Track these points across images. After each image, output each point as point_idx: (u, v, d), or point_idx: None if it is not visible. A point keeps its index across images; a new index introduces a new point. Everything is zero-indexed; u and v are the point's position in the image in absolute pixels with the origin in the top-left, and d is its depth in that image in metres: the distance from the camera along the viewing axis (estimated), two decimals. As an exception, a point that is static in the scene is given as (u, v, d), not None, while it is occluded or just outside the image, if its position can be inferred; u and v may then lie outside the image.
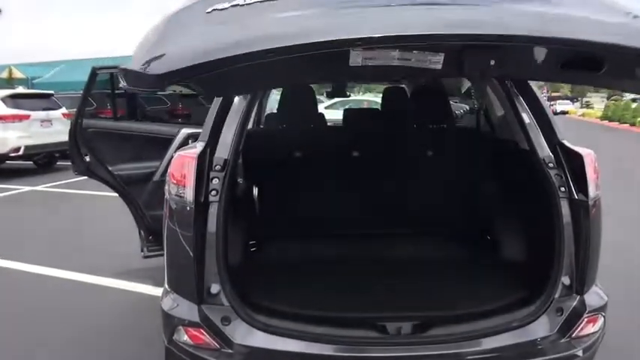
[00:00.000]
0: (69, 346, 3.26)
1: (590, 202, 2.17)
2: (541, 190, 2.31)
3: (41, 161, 11.32)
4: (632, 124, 25.67)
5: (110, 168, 4.01)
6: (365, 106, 10.64)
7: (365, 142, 3.25)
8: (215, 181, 2.20)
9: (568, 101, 58.61)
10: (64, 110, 11.33)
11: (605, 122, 29.87)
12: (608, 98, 55.27)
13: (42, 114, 10.71)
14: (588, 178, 2.18)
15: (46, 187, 9.16)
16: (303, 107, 3.25)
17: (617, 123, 27.92)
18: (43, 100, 11.36)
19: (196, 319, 2.06)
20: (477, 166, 3.28)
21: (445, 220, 3.31)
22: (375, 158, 3.24)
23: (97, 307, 3.85)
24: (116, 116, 4.38)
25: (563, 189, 2.23)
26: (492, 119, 3.28)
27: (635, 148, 16.58)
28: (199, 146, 2.27)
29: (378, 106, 4.45)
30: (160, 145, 3.81)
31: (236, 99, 2.44)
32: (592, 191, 2.18)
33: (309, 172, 3.24)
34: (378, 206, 3.32)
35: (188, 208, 2.09)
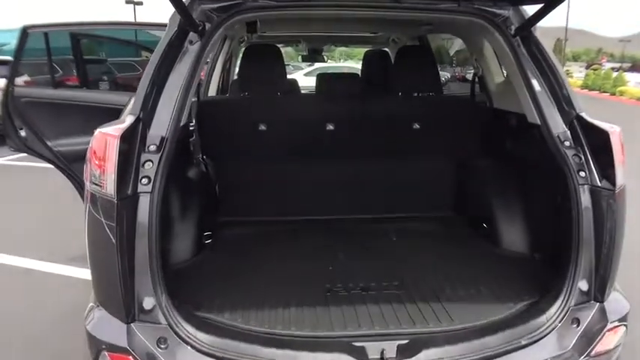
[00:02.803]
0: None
1: (617, 191, 1.77)
2: (554, 174, 1.90)
3: (2, 132, 10.57)
4: (612, 94, 25.60)
5: (50, 143, 3.49)
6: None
7: (341, 113, 2.78)
8: (147, 166, 1.72)
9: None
10: (26, 78, 10.55)
11: (585, 91, 29.78)
12: (587, 67, 55.41)
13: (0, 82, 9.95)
14: (615, 161, 1.77)
15: (7, 160, 8.47)
16: (269, 72, 2.74)
17: (597, 92, 27.83)
18: (1, 67, 10.56)
19: (123, 343, 1.63)
20: (472, 142, 2.84)
21: (434, 204, 2.89)
22: (352, 131, 2.78)
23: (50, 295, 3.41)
24: (55, 84, 3.81)
25: (582, 174, 1.82)
26: (489, 86, 2.83)
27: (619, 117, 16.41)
28: (128, 120, 1.77)
29: (359, 72, 3.97)
30: (111, 117, 3.30)
31: (179, 65, 1.93)
32: (619, 177, 1.77)
33: (275, 148, 2.77)
34: (356, 187, 2.88)
35: (109, 202, 1.62)
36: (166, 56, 1.92)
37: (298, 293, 1.96)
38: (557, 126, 1.94)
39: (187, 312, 1.73)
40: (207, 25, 1.98)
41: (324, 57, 6.06)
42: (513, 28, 2.08)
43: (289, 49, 6.44)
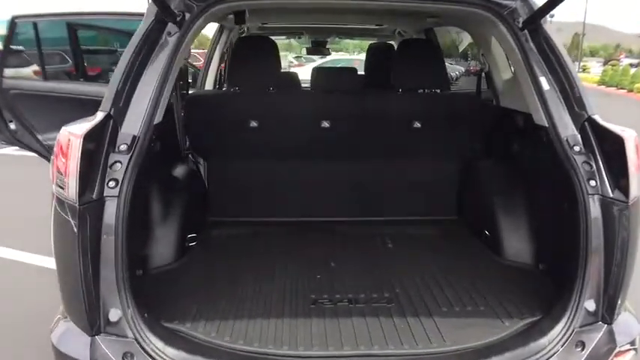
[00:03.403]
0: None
1: (630, 203, 1.60)
2: (562, 182, 1.74)
3: (10, 121, 10.56)
4: (630, 90, 25.01)
5: (40, 136, 3.39)
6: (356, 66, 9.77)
7: (336, 110, 2.62)
8: (116, 167, 1.60)
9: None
10: (34, 67, 10.52)
11: (602, 87, 29.13)
12: (604, 63, 54.29)
13: (11, 71, 9.93)
14: (630, 170, 1.60)
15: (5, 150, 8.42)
16: (261, 65, 2.58)
17: (614, 88, 27.20)
18: (11, 56, 10.53)
19: (85, 357, 1.53)
20: (475, 142, 2.67)
21: (435, 208, 2.73)
22: (348, 129, 2.62)
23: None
24: (45, 76, 3.72)
25: (593, 183, 1.66)
26: (496, 83, 2.65)
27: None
28: (98, 117, 1.65)
29: None
30: None
31: (156, 58, 1.79)
32: (634, 188, 1.60)
33: (267, 146, 2.62)
34: (352, 188, 2.73)
35: (71, 207, 1.50)
36: (142, 49, 1.78)
37: (281, 305, 1.83)
38: (567, 129, 1.78)
39: (157, 324, 1.61)
40: (188, 16, 1.84)
41: (329, 49, 5.86)
42: (521, 20, 1.91)
43: (294, 41, 6.25)
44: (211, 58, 3.83)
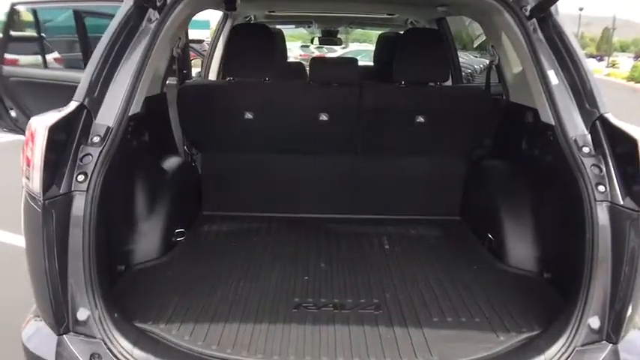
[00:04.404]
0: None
1: None
2: (569, 186, 1.59)
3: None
4: (661, 88, 24.08)
5: None
6: None
7: (335, 102, 2.49)
8: (87, 160, 1.51)
9: (593, 59, 56.04)
10: (55, 55, 10.65)
11: (631, 83, 28.14)
12: (635, 58, 52.59)
13: (31, 58, 10.08)
14: None
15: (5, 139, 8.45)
16: (260, 54, 2.47)
17: (643, 85, 26.22)
18: (33, 43, 10.65)
19: (51, 356, 1.47)
20: (482, 139, 2.52)
21: (437, 207, 2.60)
22: (348, 123, 2.50)
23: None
24: (45, 64, 3.69)
25: (602, 188, 1.51)
26: (506, 77, 2.49)
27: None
28: (70, 107, 1.57)
29: None
30: None
31: (135, 46, 1.71)
32: None
33: (262, 138, 2.52)
34: (351, 185, 2.62)
35: (36, 203, 1.43)
36: (120, 35, 1.69)
37: (262, 308, 1.73)
38: (576, 128, 1.63)
39: (128, 325, 1.54)
40: (169, 1, 1.74)
41: (341, 39, 5.68)
42: (528, 8, 1.76)
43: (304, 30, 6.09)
44: (215, 47, 3.73)
